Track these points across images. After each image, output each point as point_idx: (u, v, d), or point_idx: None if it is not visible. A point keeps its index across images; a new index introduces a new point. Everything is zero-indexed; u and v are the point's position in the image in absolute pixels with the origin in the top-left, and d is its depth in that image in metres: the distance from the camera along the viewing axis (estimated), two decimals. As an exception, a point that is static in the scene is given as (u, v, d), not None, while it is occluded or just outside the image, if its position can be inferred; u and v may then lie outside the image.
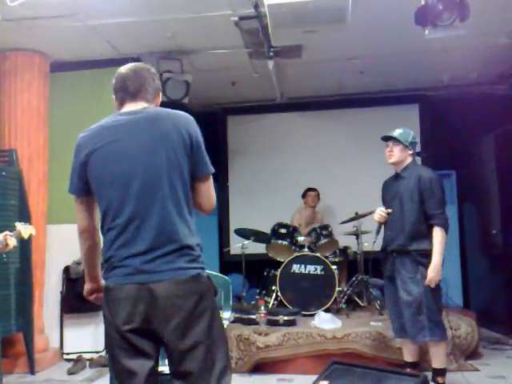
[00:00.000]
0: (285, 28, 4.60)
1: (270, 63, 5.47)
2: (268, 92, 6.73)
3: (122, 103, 2.05)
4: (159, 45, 5.20)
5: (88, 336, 5.13)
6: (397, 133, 3.70)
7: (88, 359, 4.97)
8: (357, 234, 5.92)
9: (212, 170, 2.00)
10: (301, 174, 7.01)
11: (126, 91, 2.03)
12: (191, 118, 2.01)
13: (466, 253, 6.86)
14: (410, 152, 3.68)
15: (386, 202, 3.80)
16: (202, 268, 1.90)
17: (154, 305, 1.80)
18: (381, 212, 3.72)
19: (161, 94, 2.15)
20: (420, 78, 6.43)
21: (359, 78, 6.30)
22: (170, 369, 1.87)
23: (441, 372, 3.52)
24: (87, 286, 2.12)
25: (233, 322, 4.75)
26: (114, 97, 2.08)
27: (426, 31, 3.93)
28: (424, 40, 4.10)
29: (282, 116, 7.35)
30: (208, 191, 2.01)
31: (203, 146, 1.99)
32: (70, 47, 5.13)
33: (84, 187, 1.97)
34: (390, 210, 3.70)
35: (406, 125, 6.71)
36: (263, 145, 7.28)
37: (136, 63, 2.13)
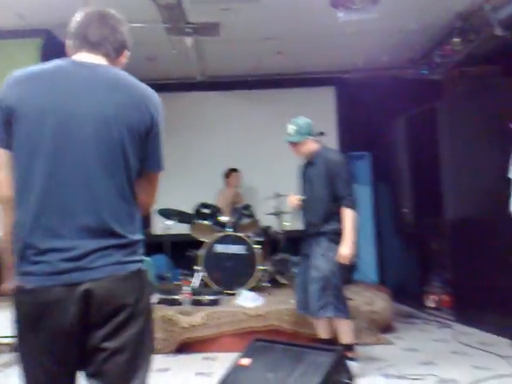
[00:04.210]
0: (201, 4, 4.58)
1: (188, 40, 5.41)
2: (187, 70, 6.66)
3: (76, 51, 1.72)
4: (71, 17, 4.96)
5: (5, 320, 4.89)
6: (292, 131, 3.81)
7: (5, 344, 4.76)
8: (278, 214, 6.04)
9: (163, 167, 1.73)
10: (222, 154, 7.02)
11: (86, 39, 1.71)
12: (157, 97, 1.73)
13: (380, 231, 7.19)
14: (311, 140, 3.83)
15: (301, 188, 3.97)
16: (142, 261, 1.66)
17: (90, 307, 1.53)
18: (293, 199, 3.92)
19: (128, 54, 1.82)
20: (336, 61, 6.58)
21: (277, 58, 6.37)
22: (86, 369, 1.61)
23: (349, 347, 3.70)
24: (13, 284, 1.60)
25: (157, 303, 4.74)
26: (68, 42, 1.76)
27: (340, 14, 4.04)
28: (339, 22, 4.21)
29: (202, 95, 7.30)
30: (153, 189, 1.75)
31: (161, 135, 1.70)
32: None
33: (8, 139, 1.58)
34: (301, 197, 3.90)
35: (322, 107, 7.04)
36: (183, 124, 7.18)
37: (106, 9, 1.78)
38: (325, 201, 3.72)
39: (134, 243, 1.62)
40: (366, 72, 6.68)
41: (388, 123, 6.75)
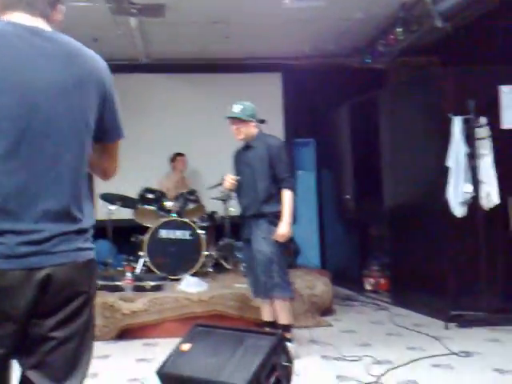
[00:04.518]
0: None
1: (133, 21, 5.30)
2: (132, 51, 6.53)
3: (7, 9, 1.49)
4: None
5: None
6: (238, 110, 3.86)
7: None
8: (224, 199, 6.04)
9: (124, 134, 1.67)
10: (167, 138, 6.93)
11: None
12: (106, 65, 1.62)
13: (323, 217, 7.33)
14: (254, 124, 3.92)
15: (237, 171, 4.04)
16: (93, 248, 1.58)
17: (47, 293, 1.43)
18: (229, 179, 3.95)
19: (63, 10, 1.61)
20: (283, 47, 6.60)
21: (224, 42, 6.34)
22: (25, 359, 1.49)
23: (287, 328, 3.80)
24: None
25: (98, 289, 4.65)
26: None
27: (285, 0, 4.05)
28: (285, 8, 4.21)
29: (148, 77, 7.15)
30: (116, 156, 1.70)
31: (117, 105, 1.64)
32: None
33: None
34: (237, 177, 3.94)
35: (269, 92, 7.06)
36: (127, 106, 6.81)
37: None
38: (266, 183, 3.82)
39: (88, 229, 1.55)
40: (312, 59, 6.72)
41: (333, 110, 6.85)
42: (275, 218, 3.78)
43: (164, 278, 5.12)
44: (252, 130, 3.92)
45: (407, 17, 5.26)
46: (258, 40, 6.27)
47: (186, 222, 5.58)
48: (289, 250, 5.73)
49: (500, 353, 3.86)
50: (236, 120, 3.87)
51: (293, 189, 3.84)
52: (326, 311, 5.09)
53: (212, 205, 6.24)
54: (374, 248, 6.40)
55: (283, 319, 3.83)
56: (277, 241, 3.76)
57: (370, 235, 6.51)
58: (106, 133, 1.60)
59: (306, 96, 6.92)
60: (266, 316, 3.96)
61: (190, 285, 4.85)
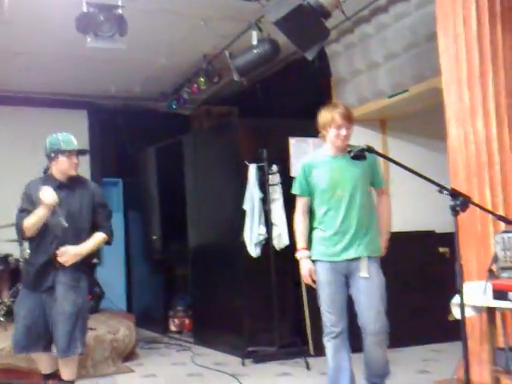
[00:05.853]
0: None
1: None
2: None
3: None
4: None
5: None
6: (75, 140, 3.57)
7: None
8: (20, 241, 5.62)
9: None
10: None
11: None
12: None
13: (130, 258, 7.23)
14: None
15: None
16: None
17: None
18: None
19: None
20: (88, 85, 6.50)
21: (26, 75, 6.00)
22: None
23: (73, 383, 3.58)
24: None
25: None
26: None
27: (88, 39, 4.01)
28: (88, 47, 4.16)
29: None
30: None
31: None
32: None
33: None
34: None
35: (74, 130, 6.78)
36: None
37: None
38: (88, 227, 3.51)
39: None
40: (119, 100, 6.72)
41: (140, 151, 6.90)
42: (84, 265, 3.51)
43: None
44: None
45: (209, 68, 5.58)
46: (61, 75, 6.07)
47: (-28, 268, 5.07)
48: (94, 294, 5.56)
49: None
50: (78, 154, 3.50)
51: (110, 237, 3.59)
52: (129, 356, 4.95)
53: (6, 247, 5.77)
54: (179, 288, 6.49)
55: (70, 374, 3.51)
56: (85, 290, 3.50)
57: (176, 275, 6.60)
58: None
59: (114, 136, 6.86)
60: (46, 368, 3.61)
61: (-27, 338, 4.38)
